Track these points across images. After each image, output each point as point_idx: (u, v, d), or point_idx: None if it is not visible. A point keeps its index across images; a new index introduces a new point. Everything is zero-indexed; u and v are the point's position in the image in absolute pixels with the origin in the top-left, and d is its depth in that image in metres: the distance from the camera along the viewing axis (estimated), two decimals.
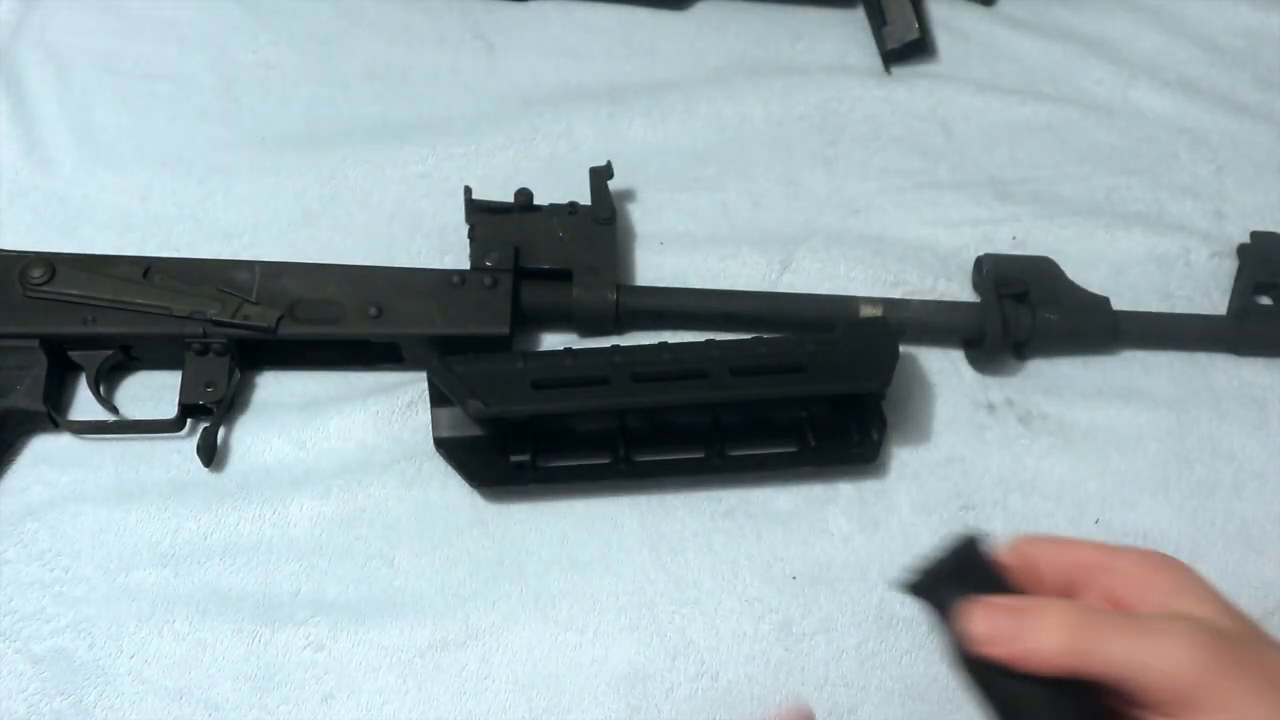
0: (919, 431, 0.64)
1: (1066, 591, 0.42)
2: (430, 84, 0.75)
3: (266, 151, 0.71)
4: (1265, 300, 0.69)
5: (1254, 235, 0.70)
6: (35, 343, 0.59)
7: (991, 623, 0.38)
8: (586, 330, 0.65)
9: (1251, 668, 0.37)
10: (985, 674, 0.40)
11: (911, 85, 0.77)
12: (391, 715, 0.55)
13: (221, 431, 0.61)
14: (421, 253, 0.68)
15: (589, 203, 0.65)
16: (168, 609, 0.57)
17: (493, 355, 0.59)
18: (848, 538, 0.60)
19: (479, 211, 0.64)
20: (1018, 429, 0.64)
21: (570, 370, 0.57)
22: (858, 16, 0.79)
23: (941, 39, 0.79)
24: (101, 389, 0.61)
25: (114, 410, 0.61)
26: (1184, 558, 0.60)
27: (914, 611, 0.59)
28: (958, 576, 0.40)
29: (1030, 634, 0.38)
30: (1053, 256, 0.67)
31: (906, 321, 0.64)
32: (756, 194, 0.72)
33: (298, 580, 0.58)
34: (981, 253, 0.68)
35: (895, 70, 0.77)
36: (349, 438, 0.61)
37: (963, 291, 0.68)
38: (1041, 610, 0.38)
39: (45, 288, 0.59)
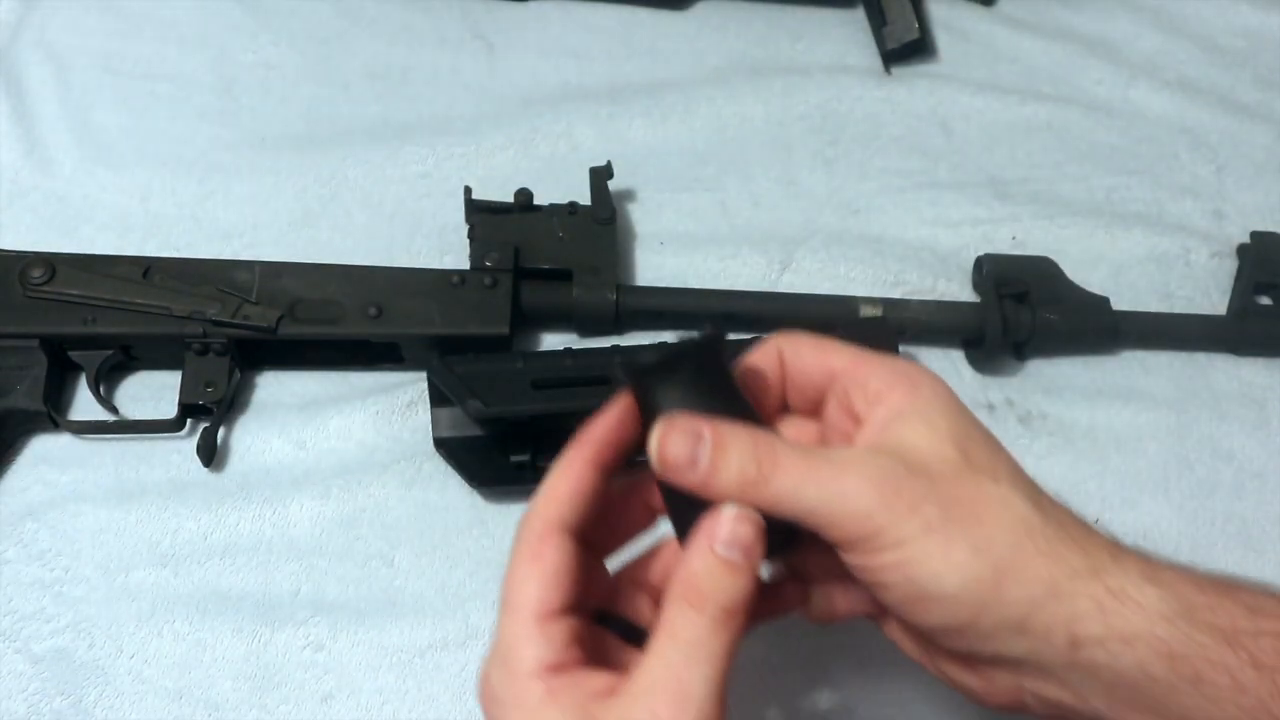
0: None
1: (817, 399, 0.42)
2: (430, 84, 0.75)
3: (266, 151, 0.71)
4: (1265, 300, 0.69)
5: (1254, 235, 0.70)
6: (35, 343, 0.59)
7: (675, 447, 0.37)
8: (586, 330, 0.65)
9: (932, 503, 0.36)
10: (673, 495, 0.39)
11: (911, 85, 0.77)
12: (391, 715, 0.55)
13: (221, 431, 0.61)
14: (421, 253, 0.68)
15: (589, 203, 0.65)
16: (168, 609, 0.57)
17: (493, 355, 0.59)
18: None
19: (479, 211, 0.64)
20: (1018, 429, 0.64)
21: (570, 370, 0.57)
22: (858, 16, 0.79)
23: (941, 39, 0.79)
24: (101, 389, 0.61)
25: (114, 410, 0.61)
26: (1184, 558, 0.60)
27: None
28: (682, 377, 0.38)
29: (708, 465, 0.37)
30: (1053, 256, 0.67)
31: (906, 321, 0.64)
32: (756, 194, 0.72)
33: (298, 580, 0.58)
34: (981, 253, 0.68)
35: (895, 70, 0.77)
36: (349, 438, 0.61)
37: (963, 291, 0.68)
38: (725, 441, 0.37)
39: (45, 288, 0.59)
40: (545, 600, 0.38)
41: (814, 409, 0.42)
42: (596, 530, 0.41)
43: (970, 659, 0.39)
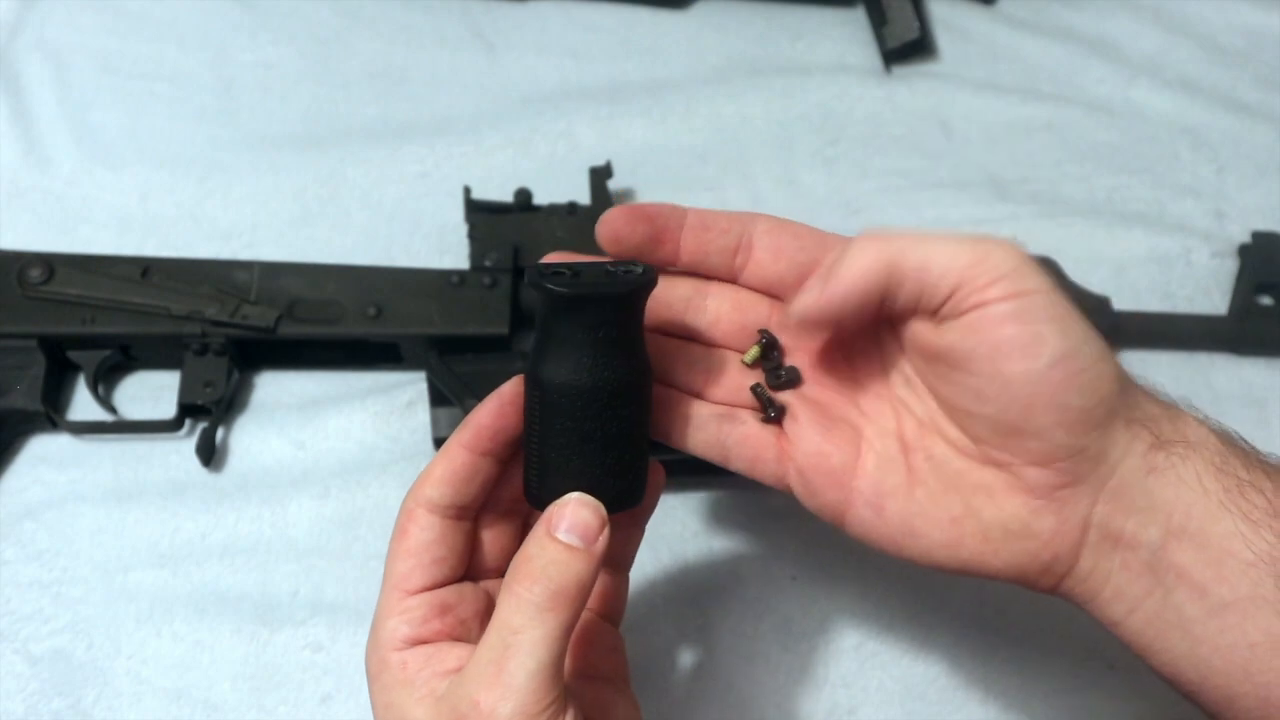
0: None
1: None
2: (430, 84, 0.74)
3: (266, 151, 0.71)
4: (1266, 300, 0.69)
5: (1255, 235, 0.70)
6: (34, 342, 0.59)
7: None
8: None
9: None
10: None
11: (911, 85, 0.77)
12: None
13: (220, 431, 0.60)
14: (421, 253, 0.68)
15: (589, 202, 0.65)
16: (166, 609, 0.57)
17: (492, 355, 0.59)
18: (846, 537, 0.60)
19: (478, 211, 0.64)
20: None
21: None
22: (858, 16, 0.79)
23: (942, 39, 0.79)
24: (100, 389, 0.60)
25: (113, 410, 0.61)
26: None
27: (913, 612, 0.59)
28: (587, 318, 0.39)
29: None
30: (1053, 256, 0.67)
31: None
32: (756, 194, 0.72)
33: (296, 581, 0.58)
34: None
35: (895, 70, 0.77)
36: (348, 438, 0.61)
37: None
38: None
39: (44, 288, 0.59)
40: (406, 575, 0.40)
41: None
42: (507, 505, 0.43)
43: (1050, 460, 0.39)
